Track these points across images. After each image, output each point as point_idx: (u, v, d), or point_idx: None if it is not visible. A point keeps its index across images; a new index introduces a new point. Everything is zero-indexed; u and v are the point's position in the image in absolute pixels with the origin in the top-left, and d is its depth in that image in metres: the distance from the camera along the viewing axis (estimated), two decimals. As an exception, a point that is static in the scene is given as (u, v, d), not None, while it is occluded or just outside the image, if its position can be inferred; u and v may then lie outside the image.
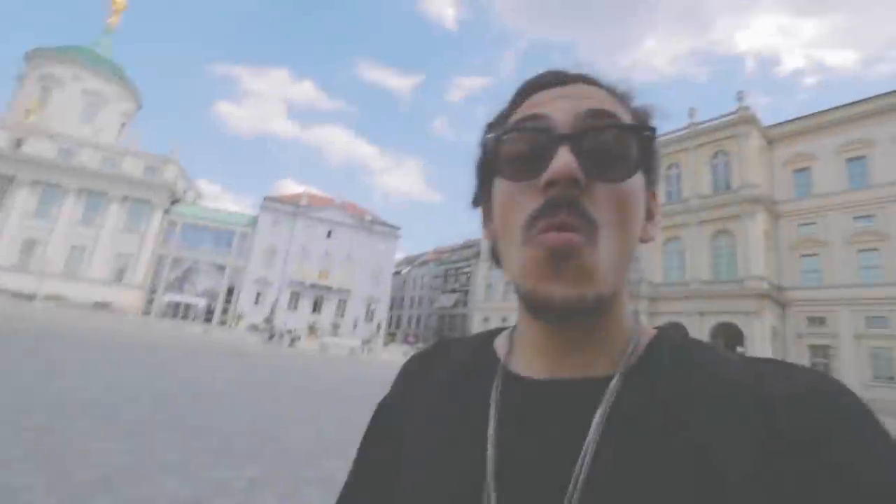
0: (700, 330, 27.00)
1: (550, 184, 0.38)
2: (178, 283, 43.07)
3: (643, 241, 0.44)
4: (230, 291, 44.17)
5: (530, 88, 0.46)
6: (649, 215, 0.46)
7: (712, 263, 28.93)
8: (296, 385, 11.00)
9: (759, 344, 24.72)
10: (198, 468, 4.07)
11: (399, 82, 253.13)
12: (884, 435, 0.32)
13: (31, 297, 35.16)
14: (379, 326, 43.68)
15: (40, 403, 5.52)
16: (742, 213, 27.91)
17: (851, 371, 24.26)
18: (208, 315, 43.07)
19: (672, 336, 0.45)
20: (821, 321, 26.61)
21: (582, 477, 0.35)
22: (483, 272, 49.53)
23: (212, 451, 4.66)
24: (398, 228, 53.27)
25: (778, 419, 0.34)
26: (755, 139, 29.70)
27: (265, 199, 47.03)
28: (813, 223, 28.39)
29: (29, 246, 39.32)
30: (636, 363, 0.42)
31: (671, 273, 30.81)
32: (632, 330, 0.44)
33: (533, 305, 0.39)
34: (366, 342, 39.37)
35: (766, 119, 30.97)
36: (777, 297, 26.86)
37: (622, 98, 0.45)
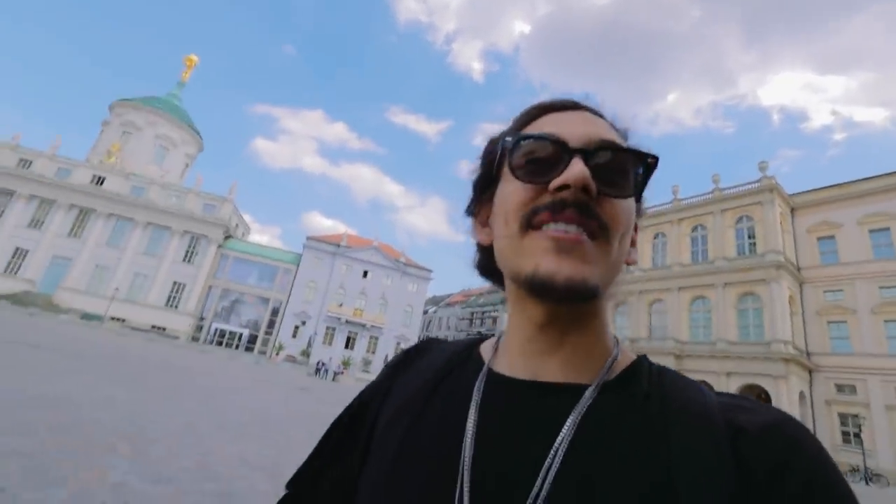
0: (727, 390, 27.54)
1: (561, 187, 0.42)
2: (225, 313, 46.09)
3: (628, 263, 0.49)
4: (271, 324, 46.88)
5: (542, 110, 0.51)
6: (632, 242, 0.50)
7: (738, 325, 29.82)
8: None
9: (787, 407, 25.19)
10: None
11: (427, 127, 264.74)
12: (835, 470, 0.36)
13: (99, 318, 38.56)
14: (408, 365, 45.37)
15: (238, 420, 7.73)
16: (767, 278, 28.98)
17: (885, 442, 24.24)
18: (249, 344, 45.66)
19: (651, 362, 0.49)
20: (850, 389, 26.91)
21: (550, 475, 0.38)
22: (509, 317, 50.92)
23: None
24: (430, 271, 55.63)
25: (745, 449, 0.37)
26: (778, 206, 31.09)
27: (308, 238, 50.42)
28: (840, 290, 29.14)
29: (100, 271, 43.32)
30: (615, 378, 0.45)
31: (697, 332, 31.71)
32: (613, 349, 0.48)
33: (535, 285, 0.42)
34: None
35: (796, 173, 33.74)
36: (804, 363, 27.43)
37: (620, 134, 0.51)
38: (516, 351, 0.48)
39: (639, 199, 0.49)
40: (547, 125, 0.48)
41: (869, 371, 26.23)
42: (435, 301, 79.20)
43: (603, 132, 0.47)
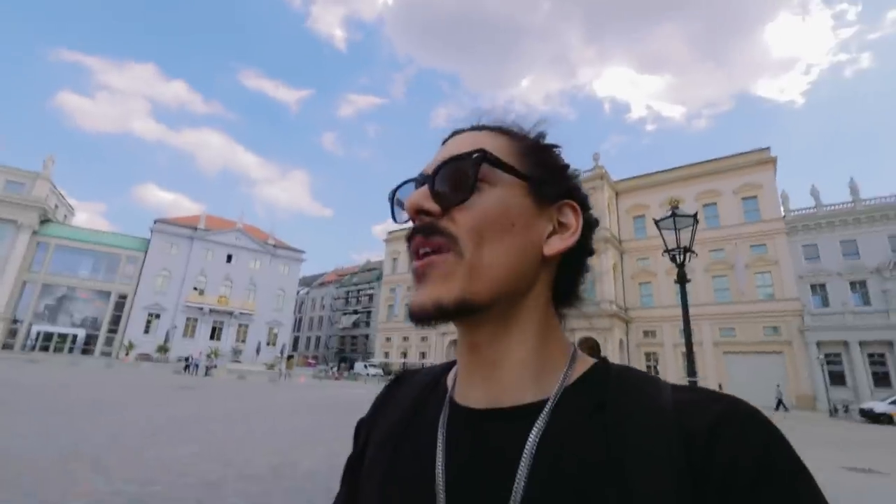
0: (573, 343, 33.74)
1: (410, 218, 0.47)
2: (50, 313, 38.72)
3: (546, 254, 0.47)
4: (115, 320, 40.90)
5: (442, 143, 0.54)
6: (561, 228, 0.49)
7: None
8: (295, 408, 13.36)
9: (611, 353, 31.97)
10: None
11: (286, 94, 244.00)
12: (785, 454, 0.37)
13: None
14: (283, 350, 43.92)
15: (156, 427, 7.86)
16: (598, 250, 35.67)
17: (672, 371, 32.71)
18: (87, 346, 39.33)
19: (610, 365, 0.48)
20: (652, 334, 35.31)
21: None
22: (385, 294, 52.64)
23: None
24: (302, 252, 53.99)
25: (694, 453, 0.37)
26: (606, 191, 38.21)
27: (157, 221, 44.60)
28: (647, 258, 37.44)
29: None
30: (572, 388, 0.45)
31: (548, 297, 37.64)
32: (566, 356, 0.48)
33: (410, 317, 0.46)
34: (270, 367, 39.76)
35: (620, 157, 40.68)
36: (622, 317, 34.88)
37: (510, 133, 0.51)
38: (464, 377, 0.49)
39: (541, 185, 0.48)
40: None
41: (663, 319, 34.59)
42: (307, 282, 76.77)
43: (458, 148, 0.48)
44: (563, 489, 0.38)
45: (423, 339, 46.11)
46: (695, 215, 5.03)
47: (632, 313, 36.21)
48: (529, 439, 0.41)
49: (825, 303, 29.92)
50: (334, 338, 65.51)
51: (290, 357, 62.78)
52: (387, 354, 49.18)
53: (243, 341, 47.03)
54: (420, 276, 0.45)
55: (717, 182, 35.94)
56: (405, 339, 47.98)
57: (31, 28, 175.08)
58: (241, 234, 48.71)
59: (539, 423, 0.42)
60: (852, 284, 29.51)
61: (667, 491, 0.35)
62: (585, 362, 0.48)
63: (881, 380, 26.38)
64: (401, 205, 0.51)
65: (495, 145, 0.49)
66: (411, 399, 0.55)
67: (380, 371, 44.13)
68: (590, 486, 0.37)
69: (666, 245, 5.38)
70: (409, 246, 0.47)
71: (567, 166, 0.52)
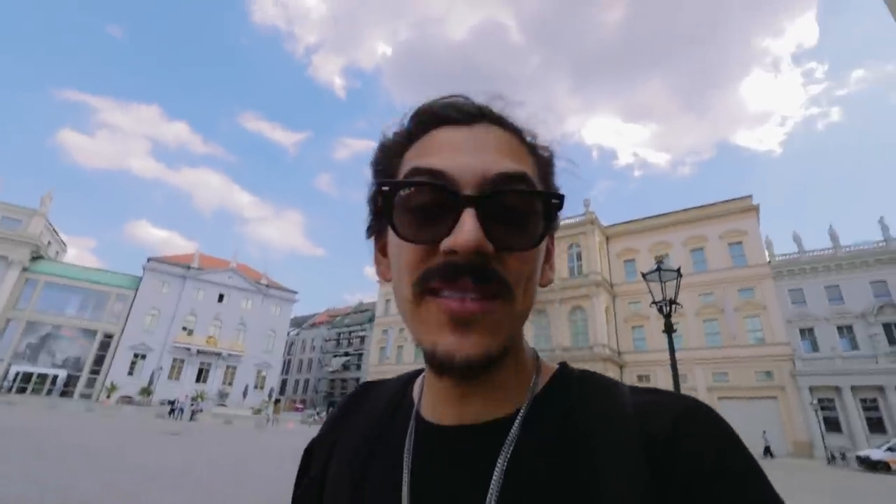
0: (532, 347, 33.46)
1: (453, 251, 0.37)
2: (32, 352, 37.69)
3: (542, 285, 0.45)
4: (99, 360, 39.83)
5: (433, 119, 0.44)
6: (547, 257, 0.46)
7: (570, 333, 36.33)
8: (283, 454, 13.08)
9: (605, 398, 31.65)
10: None
11: (284, 136, 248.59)
12: (737, 454, 0.37)
13: None
14: (271, 394, 42.78)
15: (154, 475, 7.72)
16: (590, 294, 36.06)
17: (666, 416, 32.42)
18: (66, 387, 38.02)
19: (572, 371, 0.47)
20: (646, 378, 35.06)
21: None
22: (377, 336, 52.00)
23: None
24: (295, 293, 53.68)
25: (657, 453, 0.37)
26: (597, 235, 39.05)
27: (150, 259, 44.42)
28: (638, 301, 37.71)
29: None
30: (539, 399, 0.44)
31: (540, 341, 37.51)
32: (533, 367, 0.47)
33: (434, 364, 0.39)
34: (256, 412, 38.60)
35: (609, 202, 41.39)
36: (616, 360, 34.75)
37: (528, 142, 0.45)
38: (439, 398, 0.46)
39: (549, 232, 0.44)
40: (435, 150, 0.42)
41: (657, 363, 34.49)
42: (297, 322, 75.63)
43: (501, 161, 0.41)
44: (536, 501, 0.37)
45: (415, 382, 45.17)
46: (678, 270, 5.39)
47: (626, 357, 36.12)
48: (501, 454, 0.40)
49: (815, 347, 30.19)
50: (323, 381, 63.90)
51: (276, 401, 61.06)
52: (377, 398, 47.92)
53: (230, 384, 45.73)
54: (467, 323, 0.38)
55: (703, 228, 37.00)
56: (396, 382, 46.98)
57: (41, 69, 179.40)
58: (234, 273, 48.52)
59: (510, 437, 0.41)
60: (839, 329, 29.93)
61: (635, 496, 0.35)
62: (549, 369, 0.48)
63: (875, 425, 26.28)
64: (417, 213, 0.40)
65: (534, 172, 0.44)
66: (377, 414, 0.52)
67: (370, 416, 42.87)
68: (562, 496, 0.37)
69: (653, 297, 5.71)
70: (445, 279, 0.38)
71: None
